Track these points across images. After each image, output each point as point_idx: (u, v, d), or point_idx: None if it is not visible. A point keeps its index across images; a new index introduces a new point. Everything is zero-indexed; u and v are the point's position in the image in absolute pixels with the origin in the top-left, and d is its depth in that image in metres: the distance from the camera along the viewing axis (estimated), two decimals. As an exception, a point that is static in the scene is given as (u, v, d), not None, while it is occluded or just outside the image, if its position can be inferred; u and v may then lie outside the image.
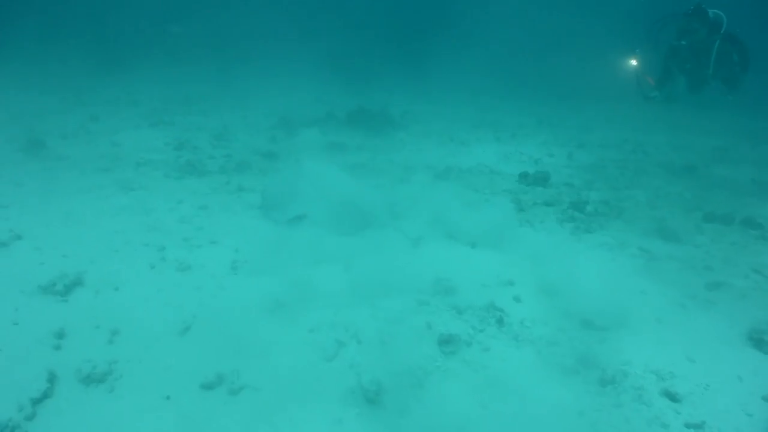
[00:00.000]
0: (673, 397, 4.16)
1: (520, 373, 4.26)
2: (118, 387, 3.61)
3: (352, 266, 5.30)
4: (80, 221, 5.89)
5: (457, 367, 4.22)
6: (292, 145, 9.72)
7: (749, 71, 8.83)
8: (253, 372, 3.84)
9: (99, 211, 6.16)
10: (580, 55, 19.42)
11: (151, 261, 5.20)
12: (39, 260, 5.00)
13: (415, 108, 14.04)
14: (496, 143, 11.80)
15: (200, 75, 15.54)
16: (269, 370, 3.88)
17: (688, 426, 3.77)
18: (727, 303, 5.49)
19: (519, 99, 17.50)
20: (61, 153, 7.99)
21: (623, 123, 14.52)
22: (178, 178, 7.51)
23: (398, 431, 3.48)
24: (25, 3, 17.89)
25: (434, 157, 10.01)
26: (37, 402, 3.36)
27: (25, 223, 5.67)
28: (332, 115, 11.47)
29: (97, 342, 3.98)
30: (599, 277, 5.70)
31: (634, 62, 9.16)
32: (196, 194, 7.00)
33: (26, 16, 17.24)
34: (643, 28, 9.99)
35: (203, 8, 21.94)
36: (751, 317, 5.02)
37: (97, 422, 3.31)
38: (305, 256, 5.45)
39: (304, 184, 6.26)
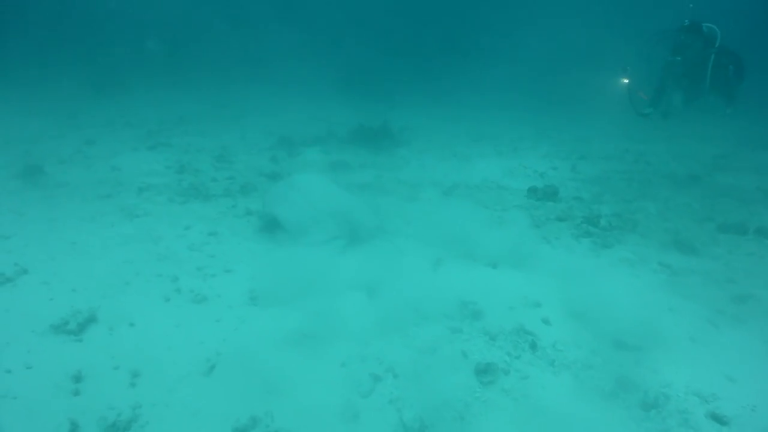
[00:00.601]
0: (720, 420, 4.03)
1: (561, 401, 4.10)
2: (145, 435, 3.36)
3: (376, 293, 5.09)
4: (87, 252, 5.64)
5: (497, 398, 4.04)
6: (294, 165, 9.53)
7: (744, 81, 8.82)
8: (287, 412, 3.62)
9: (105, 241, 5.91)
10: (576, 66, 19.43)
11: (165, 293, 4.97)
12: (48, 296, 4.75)
13: (413, 123, 13.89)
14: (498, 157, 11.67)
15: (193, 95, 15.32)
16: (304, 410, 3.66)
17: (740, 449, 3.59)
18: (757, 317, 5.35)
19: (516, 110, 17.42)
20: (59, 179, 7.73)
21: (621, 133, 14.46)
22: (182, 203, 7.27)
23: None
24: (13, 26, 17.61)
25: (439, 174, 9.85)
26: (61, 457, 3.10)
27: (30, 256, 5.41)
28: (333, 133, 11.29)
29: (117, 385, 3.73)
30: (625, 296, 5.61)
31: (625, 80, 9.13)
32: (204, 219, 6.77)
33: (15, 39, 16.97)
34: (636, 44, 9.98)
35: (193, 28, 21.76)
36: (783, 331, 4.87)
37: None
38: (325, 282, 5.23)
39: (303, 199, 6.23)
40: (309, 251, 5.95)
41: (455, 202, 8.20)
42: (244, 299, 4.91)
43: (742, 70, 8.64)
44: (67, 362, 3.89)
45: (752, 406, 4.13)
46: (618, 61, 9.62)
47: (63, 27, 18.38)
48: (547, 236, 7.16)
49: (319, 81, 17.76)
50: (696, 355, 4.76)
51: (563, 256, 6.57)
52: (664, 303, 5.62)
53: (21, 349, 3.98)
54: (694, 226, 7.84)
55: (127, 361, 3.98)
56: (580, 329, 5.05)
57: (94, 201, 7.09)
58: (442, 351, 4.35)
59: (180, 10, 22.02)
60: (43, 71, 15.37)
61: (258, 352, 4.19)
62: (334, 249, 6.12)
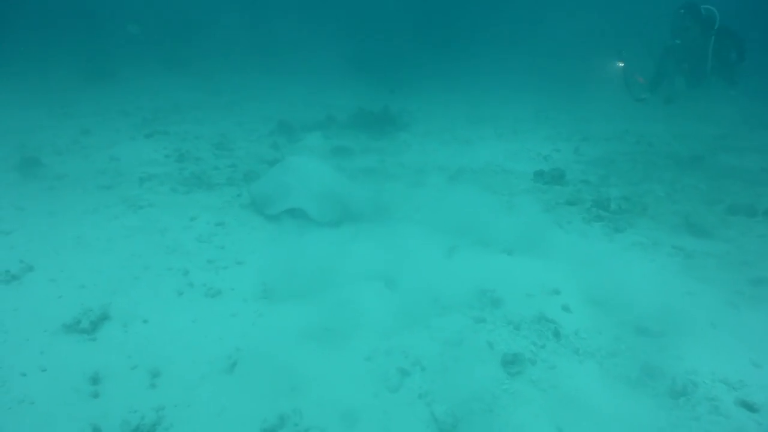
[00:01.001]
0: (750, 407, 3.96)
1: (588, 391, 4.01)
2: (171, 438, 3.23)
3: (394, 282, 4.96)
4: (92, 246, 5.47)
5: (526, 389, 3.94)
6: (295, 151, 9.35)
7: (746, 61, 8.72)
8: (315, 410, 3.50)
9: (110, 234, 5.74)
10: (575, 48, 19.27)
11: (177, 287, 4.82)
12: (56, 293, 4.59)
13: (411, 106, 13.70)
14: (499, 140, 11.56)
15: (187, 82, 15.02)
16: (332, 407, 3.54)
17: (774, 437, 3.52)
18: (775, 300, 5.25)
19: (513, 92, 17.24)
20: (58, 171, 7.51)
21: (620, 114, 14.35)
22: (186, 193, 7.10)
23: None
24: (1, 16, 17.16)
25: (442, 158, 9.72)
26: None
27: (34, 252, 5.23)
28: (332, 118, 11.10)
29: (137, 386, 3.60)
30: (643, 280, 5.54)
31: (620, 64, 9.02)
32: (209, 209, 6.60)
33: (2, 29, 16.53)
34: (636, 28, 9.85)
35: (185, 14, 21.35)
36: (803, 314, 4.80)
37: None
38: (339, 271, 5.10)
39: (296, 181, 6.28)
40: (319, 239, 5.82)
41: (463, 187, 8.07)
42: (258, 292, 4.77)
43: (743, 50, 8.54)
44: (83, 363, 3.75)
45: (781, 392, 4.03)
46: (615, 44, 9.52)
47: (52, 15, 17.93)
48: (559, 221, 7.07)
49: (314, 66, 17.52)
50: (719, 340, 4.68)
51: (577, 240, 6.47)
52: (682, 287, 5.54)
53: (34, 351, 3.83)
54: (704, 209, 7.77)
55: (144, 360, 3.84)
56: (601, 316, 4.97)
57: (95, 192, 6.90)
58: (467, 342, 4.24)
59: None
60: (33, 61, 14.99)
61: (279, 347, 4.07)
62: (344, 236, 5.99)
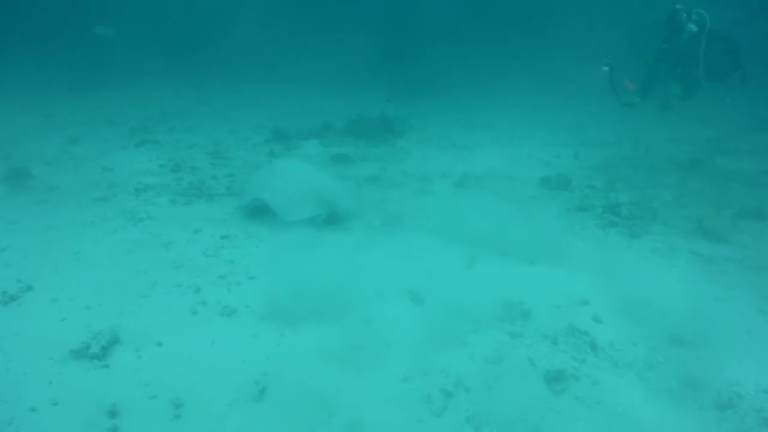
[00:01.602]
0: (799, 418, 3.73)
1: (634, 406, 3.81)
2: (203, 476, 2.93)
3: (419, 297, 4.70)
4: (93, 262, 5.12)
5: (571, 406, 3.75)
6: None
7: (742, 67, 8.59)
8: (356, 439, 3.20)
9: (111, 249, 5.41)
10: (563, 52, 19.25)
11: (190, 306, 4.51)
12: (59, 315, 4.25)
13: (402, 112, 13.46)
14: (497, 146, 11.39)
15: (173, 91, 14.66)
16: (375, 435, 3.25)
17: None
18: (803, 305, 5.07)
19: (503, 96, 17.11)
20: (49, 182, 7.14)
21: (613, 118, 14.28)
22: (185, 204, 6.78)
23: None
24: None
25: (443, 165, 9.51)
26: None
27: (31, 270, 4.88)
28: (329, 125, 10.81)
29: (160, 418, 3.28)
30: (669, 288, 5.38)
31: (605, 68, 8.89)
32: (212, 221, 6.29)
33: None
34: (628, 34, 9.74)
35: (170, 19, 20.93)
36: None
37: None
38: (360, 286, 4.82)
39: (284, 183, 6.33)
40: (334, 252, 5.55)
41: (470, 194, 7.86)
42: (276, 310, 4.47)
43: (737, 56, 8.39)
44: (96, 394, 3.42)
45: (829, 403, 3.86)
46: (603, 48, 9.40)
47: (36, 24, 17.38)
48: (573, 228, 6.88)
49: (303, 74, 17.25)
50: (757, 349, 4.53)
51: (595, 248, 6.29)
52: (709, 294, 5.40)
53: (41, 381, 3.49)
54: (714, 213, 7.66)
55: (164, 388, 3.52)
56: (632, 326, 4.82)
57: (90, 205, 6.54)
58: (508, 359, 4.00)
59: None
60: (16, 70, 14.49)
61: (307, 370, 3.78)
62: (358, 247, 5.73)
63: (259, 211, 6.34)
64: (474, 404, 3.57)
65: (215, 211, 6.61)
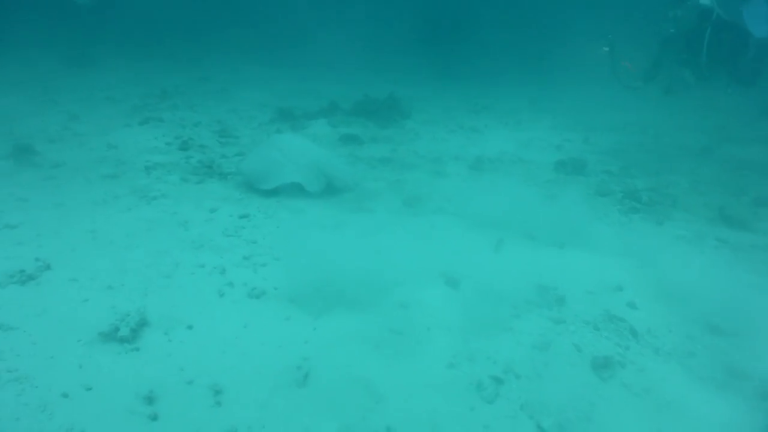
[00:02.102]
0: None
1: (681, 393, 3.70)
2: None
3: (455, 280, 4.53)
4: (110, 241, 4.90)
5: (620, 394, 3.64)
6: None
7: (747, 57, 8.38)
8: (408, 426, 3.04)
9: (127, 227, 5.18)
10: (564, 36, 19.04)
11: (216, 287, 4.31)
12: (81, 296, 4.03)
13: (406, 93, 13.19)
14: (505, 129, 11.23)
15: (171, 68, 14.30)
16: (426, 422, 3.10)
17: None
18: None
19: (503, 78, 16.91)
20: (54, 158, 6.87)
21: (614, 103, 14.14)
22: (198, 183, 6.55)
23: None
24: None
25: (454, 147, 9.33)
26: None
27: (47, 248, 4.65)
28: (336, 105, 10.56)
29: (200, 405, 3.09)
30: (701, 275, 5.27)
31: (605, 49, 8.74)
32: (227, 200, 6.08)
33: None
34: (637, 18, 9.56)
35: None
36: None
37: None
38: (391, 269, 4.64)
39: (283, 156, 6.50)
40: (358, 233, 5.38)
41: (488, 177, 7.68)
42: (307, 292, 4.28)
43: (744, 47, 8.15)
44: (130, 379, 3.22)
45: None
46: (605, 31, 9.23)
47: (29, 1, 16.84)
48: (596, 213, 6.74)
49: (304, 54, 16.93)
50: (797, 337, 4.37)
51: (622, 234, 6.18)
52: (742, 280, 5.29)
53: (71, 365, 3.28)
54: (732, 201, 7.58)
55: (200, 373, 3.33)
56: (668, 312, 4.71)
57: (99, 182, 6.30)
58: (555, 346, 3.85)
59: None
60: (10, 47, 14.02)
61: (348, 355, 3.59)
62: (383, 229, 5.56)
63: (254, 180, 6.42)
64: (526, 391, 3.41)
65: (230, 190, 6.40)
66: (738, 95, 8.73)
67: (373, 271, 4.58)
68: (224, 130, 8.93)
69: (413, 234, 5.49)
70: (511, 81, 17.04)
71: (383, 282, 4.42)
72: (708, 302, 4.73)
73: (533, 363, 3.66)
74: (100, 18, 16.04)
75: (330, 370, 3.43)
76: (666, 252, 5.76)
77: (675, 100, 14.24)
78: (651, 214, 6.88)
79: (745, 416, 3.58)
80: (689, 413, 3.53)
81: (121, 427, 2.86)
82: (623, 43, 9.32)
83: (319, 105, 10.86)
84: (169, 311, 3.92)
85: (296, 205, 6.07)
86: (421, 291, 4.37)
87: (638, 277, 5.15)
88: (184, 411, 3.03)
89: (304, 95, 12.87)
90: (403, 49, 19.17)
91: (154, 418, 2.96)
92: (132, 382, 3.18)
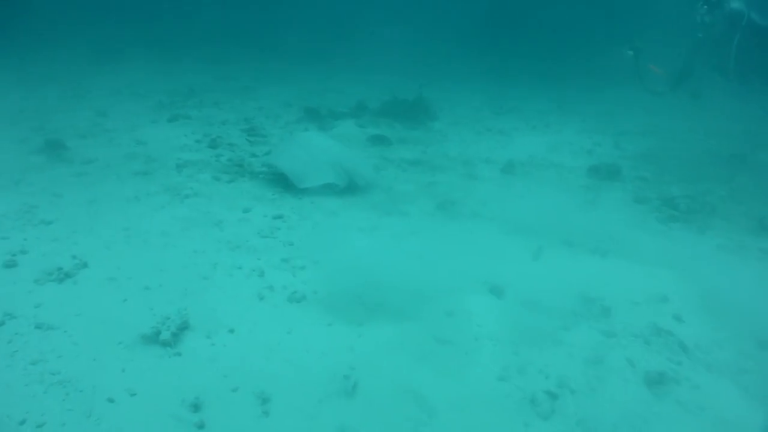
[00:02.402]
0: None
1: (737, 412, 3.50)
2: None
3: (500, 289, 4.41)
4: (145, 240, 4.83)
5: (674, 412, 3.50)
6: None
7: None
8: (462, 443, 2.91)
9: (161, 225, 5.11)
10: (588, 38, 18.83)
11: (256, 290, 4.21)
12: (119, 296, 3.95)
13: (430, 95, 13.05)
14: (534, 132, 11.05)
15: (196, 66, 14.27)
16: (479, 439, 2.96)
17: None
18: None
19: (529, 80, 16.70)
20: (85, 154, 6.83)
21: (641, 107, 13.89)
22: (230, 181, 6.48)
23: None
24: None
25: (484, 150, 9.21)
26: None
27: (83, 245, 4.59)
28: (363, 105, 10.46)
29: (247, 414, 3.00)
30: (748, 287, 5.07)
31: (630, 52, 8.54)
32: (261, 200, 6.00)
33: (7, 9, 15.54)
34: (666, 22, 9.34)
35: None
36: None
37: None
38: (433, 276, 4.53)
39: (305, 153, 6.53)
40: (391, 237, 5.28)
41: (521, 181, 7.53)
42: (348, 297, 4.17)
43: None
44: (175, 384, 3.13)
45: None
46: (630, 34, 9.05)
47: None
48: (635, 220, 6.57)
49: (323, 53, 16.84)
50: None
51: (662, 242, 6.02)
52: (790, 293, 5.06)
53: (114, 369, 3.20)
54: (771, 210, 7.33)
55: (245, 380, 3.24)
56: (716, 326, 4.56)
57: (131, 179, 6.24)
58: (608, 360, 3.70)
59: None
60: (38, 41, 14.08)
61: (395, 364, 3.48)
62: (420, 234, 5.45)
63: (278, 178, 6.50)
64: (581, 407, 3.28)
65: (262, 189, 6.32)
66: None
67: (414, 277, 4.48)
68: (252, 128, 8.85)
69: (451, 239, 5.38)
70: (536, 82, 16.83)
71: (426, 289, 4.32)
72: (757, 316, 4.55)
73: (587, 377, 3.52)
74: (125, 16, 16.07)
75: (378, 380, 3.32)
76: (709, 262, 5.61)
77: (704, 105, 14.04)
78: (690, 222, 6.71)
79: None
80: (746, 433, 3.38)
81: (169, 434, 2.76)
82: (651, 46, 9.13)
83: (344, 104, 10.78)
84: (210, 314, 3.83)
85: (330, 206, 5.97)
86: (465, 299, 4.25)
87: (682, 288, 4.99)
88: (231, 420, 2.93)
89: (328, 94, 12.78)
90: (428, 50, 19.02)
91: (200, 426, 2.86)
92: (177, 388, 3.09)
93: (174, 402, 2.98)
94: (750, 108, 14.10)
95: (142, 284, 4.12)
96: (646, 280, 5.07)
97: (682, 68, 8.80)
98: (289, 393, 3.15)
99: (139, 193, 5.84)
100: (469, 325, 3.94)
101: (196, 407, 2.97)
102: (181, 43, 16.61)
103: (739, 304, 4.74)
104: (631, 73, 9.01)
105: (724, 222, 6.93)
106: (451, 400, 3.23)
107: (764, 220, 6.86)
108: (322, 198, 6.09)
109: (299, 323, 3.84)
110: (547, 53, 19.06)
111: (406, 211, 6.06)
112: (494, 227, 5.83)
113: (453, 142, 9.66)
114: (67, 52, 13.05)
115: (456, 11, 22.98)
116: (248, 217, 5.53)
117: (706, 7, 8.05)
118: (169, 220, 5.25)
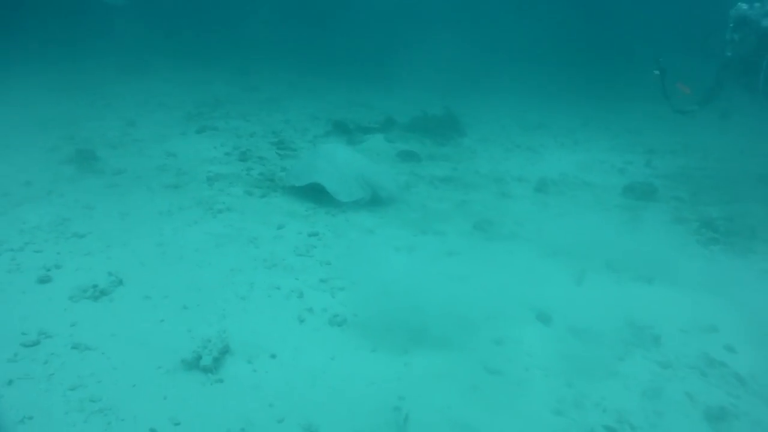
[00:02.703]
0: None
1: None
2: None
3: (547, 316, 4.24)
4: (180, 256, 4.72)
5: (737, 451, 3.22)
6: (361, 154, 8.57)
7: None
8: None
9: (196, 242, 5.00)
10: (611, 55, 18.66)
11: (296, 312, 4.08)
12: (156, 316, 3.83)
13: (455, 110, 12.95)
14: (562, 149, 10.88)
15: (221, 77, 14.27)
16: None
17: None
18: None
19: (553, 95, 16.50)
20: (115, 165, 6.78)
21: (669, 124, 13.61)
22: (262, 196, 6.38)
23: None
24: (34, 4, 16.32)
25: (514, 167, 9.05)
26: None
27: (117, 260, 4.49)
28: (392, 120, 10.35)
29: (296, 447, 2.82)
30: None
31: (656, 72, 8.35)
32: (294, 216, 5.88)
33: (35, 15, 15.70)
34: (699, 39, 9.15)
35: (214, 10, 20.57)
36: None
37: None
38: (477, 301, 4.36)
39: (329, 165, 6.47)
40: (429, 257, 5.12)
41: (555, 200, 7.36)
42: (391, 322, 4.01)
43: None
44: (219, 414, 2.99)
45: None
46: (657, 53, 8.87)
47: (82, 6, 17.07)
48: (675, 243, 6.36)
49: (348, 66, 16.81)
50: None
51: (704, 267, 5.80)
52: None
53: (155, 396, 3.07)
54: (814, 233, 7.09)
55: (291, 410, 3.10)
56: (768, 357, 4.26)
57: (162, 192, 6.17)
58: (666, 393, 3.52)
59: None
60: (66, 51, 14.17)
61: (446, 395, 3.32)
62: (458, 254, 5.30)
63: (308, 193, 6.44)
64: (644, 446, 3.09)
65: (294, 205, 6.20)
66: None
67: (457, 301, 4.32)
68: (281, 141, 8.78)
69: (490, 261, 5.22)
70: (562, 98, 16.64)
71: (470, 314, 4.16)
72: (813, 347, 4.33)
73: (646, 412, 3.34)
74: (151, 26, 16.16)
75: (429, 413, 3.17)
76: (754, 289, 5.39)
77: (733, 124, 13.79)
78: (731, 245, 6.50)
79: None
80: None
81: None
82: (680, 65, 8.97)
83: (371, 119, 10.68)
84: (250, 337, 3.70)
85: (364, 223, 5.84)
86: (512, 326, 4.09)
87: (731, 316, 4.80)
88: (279, 455, 2.77)
89: (355, 108, 12.71)
90: (451, 65, 18.92)
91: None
92: (221, 418, 2.96)
93: (219, 433, 2.83)
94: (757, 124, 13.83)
95: (179, 304, 4.00)
96: (694, 308, 4.89)
97: (712, 87, 8.62)
98: (337, 425, 3.01)
99: (172, 206, 5.76)
100: (518, 354, 3.77)
101: (240, 438, 2.82)
102: (206, 54, 16.65)
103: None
104: (658, 92, 8.85)
105: (765, 245, 6.71)
106: (507, 436, 3.05)
107: (805, 243, 6.63)
108: (356, 215, 5.97)
109: (342, 349, 3.70)
110: (573, 68, 18.84)
111: (442, 231, 5.91)
112: (533, 249, 5.67)
113: (482, 158, 9.52)
114: (96, 63, 13.07)
115: (484, 27, 22.93)
116: (283, 234, 5.42)
117: (733, 25, 7.90)
118: (203, 236, 5.14)
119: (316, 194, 6.27)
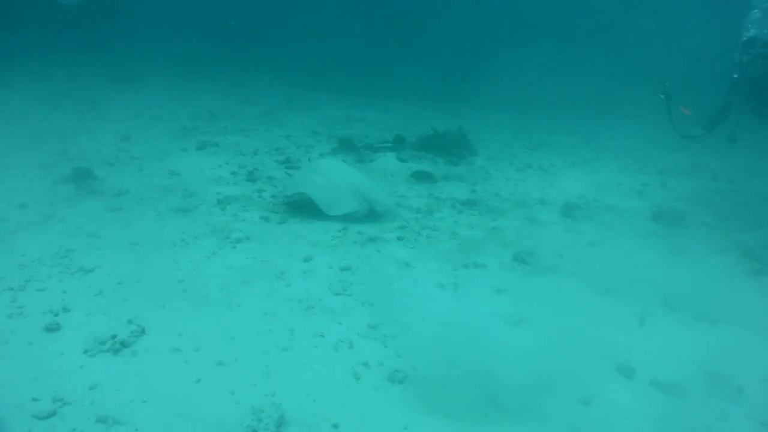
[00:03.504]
0: None
1: None
2: None
3: (629, 369, 3.76)
4: (204, 295, 4.15)
5: None
6: (373, 174, 8.08)
7: None
8: None
9: (218, 278, 4.44)
10: (608, 75, 18.53)
11: (350, 367, 3.53)
12: (191, 375, 3.25)
13: (455, 126, 12.59)
14: (574, 169, 10.54)
15: (214, 89, 13.70)
16: None
17: None
18: None
19: (549, 116, 16.27)
20: (115, 185, 6.19)
21: (671, 143, 13.37)
22: (280, 223, 5.84)
23: None
24: (24, 12, 15.55)
25: (533, 189, 8.67)
26: None
27: (133, 302, 3.91)
28: (402, 138, 9.87)
29: None
30: None
31: (661, 95, 8.08)
32: (319, 247, 5.34)
33: (25, 25, 14.93)
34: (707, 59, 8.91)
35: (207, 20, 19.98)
36: None
37: None
38: (545, 350, 3.87)
39: (325, 180, 6.37)
40: (478, 297, 4.64)
41: (588, 228, 6.94)
42: (460, 378, 3.47)
43: None
44: None
45: None
46: (661, 76, 8.60)
47: (74, 17, 16.33)
48: (722, 275, 5.97)
49: (343, 82, 16.35)
50: None
51: (761, 302, 5.39)
52: None
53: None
54: None
55: (371, 501, 2.51)
56: None
57: (171, 217, 5.59)
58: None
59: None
60: (57, 62, 13.44)
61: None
62: (503, 291, 4.80)
63: (300, 206, 6.30)
64: None
65: (318, 234, 5.66)
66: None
67: (525, 351, 3.81)
68: (288, 160, 8.24)
69: (543, 301, 4.76)
70: (557, 114, 16.43)
71: (545, 368, 3.63)
72: None
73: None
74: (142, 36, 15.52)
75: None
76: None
77: (740, 145, 13.59)
78: (776, 276, 6.11)
79: None
80: None
81: None
82: (685, 89, 8.72)
83: (373, 134, 10.23)
84: (305, 402, 3.15)
85: (398, 255, 5.34)
86: (594, 382, 3.58)
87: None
88: None
89: (353, 123, 12.25)
90: (447, 83, 18.60)
91: None
92: None
93: None
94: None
95: (214, 358, 3.43)
96: (762, 350, 4.46)
97: (718, 110, 8.34)
98: None
99: (185, 235, 5.17)
100: (612, 417, 3.27)
101: None
102: (197, 66, 16.02)
103: None
104: (663, 115, 8.54)
105: (806, 274, 6.38)
106: None
107: None
108: (386, 245, 5.46)
109: (412, 414, 3.15)
110: (570, 86, 18.63)
111: (482, 263, 5.42)
112: (582, 284, 5.23)
113: (496, 179, 9.11)
114: (83, 72, 12.40)
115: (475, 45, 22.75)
116: (313, 268, 4.87)
117: (741, 45, 7.65)
118: (225, 271, 4.57)
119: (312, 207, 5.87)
